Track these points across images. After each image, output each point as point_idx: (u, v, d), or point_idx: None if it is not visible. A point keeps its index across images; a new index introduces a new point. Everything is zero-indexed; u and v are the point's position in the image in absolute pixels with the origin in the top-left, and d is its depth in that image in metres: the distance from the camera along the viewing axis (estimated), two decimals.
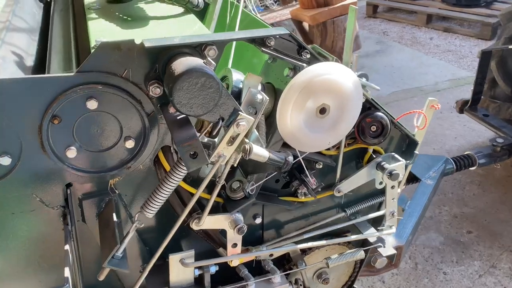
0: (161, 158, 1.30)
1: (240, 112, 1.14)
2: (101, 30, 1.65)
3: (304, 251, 1.76)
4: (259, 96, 1.24)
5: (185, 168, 1.16)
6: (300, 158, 1.41)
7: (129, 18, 1.81)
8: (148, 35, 1.39)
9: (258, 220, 1.66)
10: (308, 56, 1.34)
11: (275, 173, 1.42)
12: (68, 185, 1.30)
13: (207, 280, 1.47)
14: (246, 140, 1.20)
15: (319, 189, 1.57)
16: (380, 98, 5.68)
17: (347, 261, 1.70)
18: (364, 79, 1.52)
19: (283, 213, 1.70)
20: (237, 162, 1.29)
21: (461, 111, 3.80)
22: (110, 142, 1.25)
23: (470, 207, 3.80)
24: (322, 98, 1.31)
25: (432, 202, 3.79)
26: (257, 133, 1.26)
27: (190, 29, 1.76)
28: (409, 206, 2.62)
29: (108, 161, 1.27)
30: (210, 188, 1.37)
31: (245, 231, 1.43)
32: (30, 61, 1.64)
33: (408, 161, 1.72)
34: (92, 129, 1.21)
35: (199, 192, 1.28)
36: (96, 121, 1.21)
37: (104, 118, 1.21)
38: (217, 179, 1.32)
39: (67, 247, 1.22)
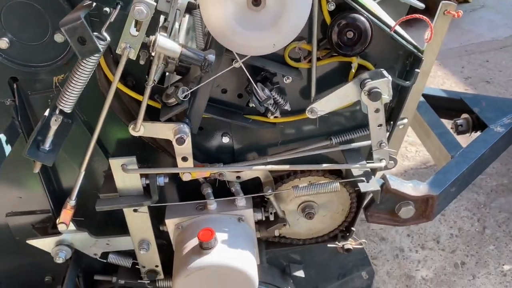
0: None
1: None
2: None
3: (281, 179, 1.60)
4: None
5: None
6: (240, 62, 1.23)
7: None
8: None
9: (226, 139, 1.54)
10: None
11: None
12: (15, 80, 1.34)
13: (152, 189, 1.42)
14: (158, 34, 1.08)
15: (282, 102, 1.37)
16: (496, 42, 4.81)
17: (318, 192, 1.48)
18: None
19: (254, 134, 1.54)
20: (161, 60, 1.19)
21: None
22: (40, 35, 1.23)
23: None
24: None
25: None
26: (176, 28, 1.12)
27: None
28: (461, 154, 2.20)
29: (42, 55, 1.27)
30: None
31: (184, 143, 1.33)
32: None
33: (408, 82, 1.40)
34: (20, 20, 1.21)
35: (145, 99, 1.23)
36: (22, 12, 1.20)
37: (30, 8, 1.20)
38: (147, 82, 1.23)
39: (2, 137, 1.27)
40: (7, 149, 1.30)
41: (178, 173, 1.49)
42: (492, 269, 2.59)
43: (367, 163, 1.49)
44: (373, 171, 1.52)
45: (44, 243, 1.57)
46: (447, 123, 2.60)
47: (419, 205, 2.02)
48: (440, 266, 2.65)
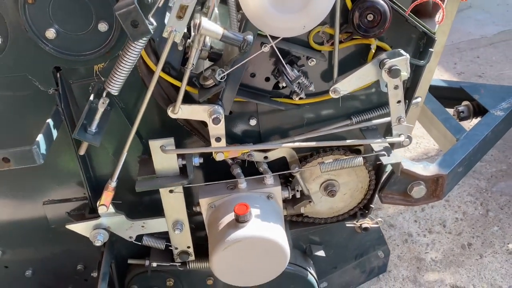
0: None
1: None
2: None
3: (304, 159, 1.70)
4: None
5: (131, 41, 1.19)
6: (273, 44, 1.34)
7: None
8: None
9: (253, 122, 1.64)
10: None
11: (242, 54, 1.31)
12: (58, 70, 1.43)
13: (189, 169, 1.52)
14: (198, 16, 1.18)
15: (306, 83, 1.48)
16: (485, 39, 5.00)
17: (342, 167, 1.59)
18: None
19: (280, 116, 1.64)
20: (200, 44, 1.29)
21: None
22: (85, 25, 1.33)
23: None
24: None
25: None
26: (217, 12, 1.22)
27: None
28: (465, 136, 2.32)
29: (86, 44, 1.36)
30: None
31: (221, 122, 1.42)
32: None
33: (422, 61, 1.52)
34: (66, 11, 1.30)
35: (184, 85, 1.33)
36: (69, 3, 1.29)
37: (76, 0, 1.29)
38: (186, 66, 1.33)
39: (50, 122, 1.35)
40: (54, 133, 1.38)
41: (209, 156, 1.58)
42: (498, 248, 2.70)
43: (387, 138, 1.59)
44: (392, 146, 1.63)
45: (83, 227, 1.65)
46: (449, 111, 2.73)
47: (430, 185, 2.13)
48: (448, 248, 2.76)
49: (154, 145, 1.48)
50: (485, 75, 4.42)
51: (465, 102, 2.65)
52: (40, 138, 1.27)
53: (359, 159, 1.58)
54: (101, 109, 1.34)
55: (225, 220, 1.53)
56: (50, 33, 1.31)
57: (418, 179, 2.07)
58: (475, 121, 2.64)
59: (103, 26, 1.32)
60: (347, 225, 2.06)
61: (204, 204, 1.64)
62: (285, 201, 1.73)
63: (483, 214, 2.93)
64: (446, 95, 2.78)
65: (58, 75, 1.43)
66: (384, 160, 1.55)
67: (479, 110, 2.59)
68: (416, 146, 3.62)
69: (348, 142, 1.60)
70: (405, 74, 1.44)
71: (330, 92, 1.51)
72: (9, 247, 1.82)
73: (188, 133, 1.62)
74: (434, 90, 2.75)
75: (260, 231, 1.49)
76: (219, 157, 1.55)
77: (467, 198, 3.06)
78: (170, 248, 1.76)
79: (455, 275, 2.60)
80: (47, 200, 1.72)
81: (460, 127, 2.41)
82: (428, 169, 2.10)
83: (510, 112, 2.45)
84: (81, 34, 1.34)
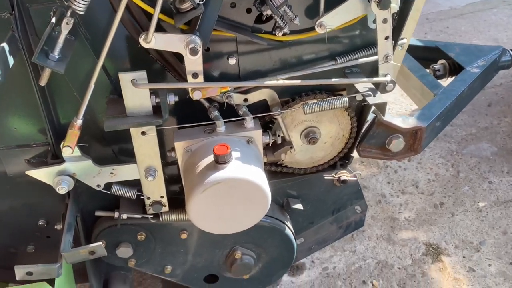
0: None
1: None
2: None
3: (285, 103, 1.61)
4: None
5: None
6: None
7: None
8: None
9: (232, 61, 1.52)
10: None
11: None
12: None
13: (163, 108, 1.39)
14: None
15: (290, 15, 1.38)
16: (454, 10, 5.05)
17: (327, 107, 1.51)
18: None
19: (261, 56, 1.54)
20: None
21: None
22: None
23: None
24: None
25: (492, 112, 3.38)
26: None
27: None
28: (442, 92, 2.30)
29: None
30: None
31: (198, 54, 1.31)
32: None
33: None
34: None
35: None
36: None
37: None
38: None
39: (5, 47, 1.19)
40: (10, 60, 1.22)
41: (184, 97, 1.47)
42: (469, 207, 2.74)
43: (373, 78, 1.53)
44: (377, 87, 1.57)
45: (45, 174, 1.50)
46: None
47: (408, 138, 2.10)
48: (421, 207, 2.78)
49: (125, 78, 1.34)
50: None
51: (441, 61, 2.63)
52: None
53: (345, 99, 1.51)
54: (64, 31, 1.19)
55: (203, 162, 1.43)
56: None
57: (397, 131, 2.03)
58: (450, 80, 2.63)
59: None
60: (325, 177, 2.00)
61: (179, 148, 1.52)
62: (265, 148, 1.65)
63: (454, 175, 2.97)
64: (421, 55, 2.75)
65: None
66: (370, 100, 1.48)
67: (454, 69, 2.57)
68: (392, 107, 3.60)
69: (334, 81, 1.52)
70: (395, 6, 1.37)
71: (315, 27, 1.42)
72: None
73: (162, 71, 1.49)
74: (410, 50, 2.71)
75: (241, 173, 1.39)
76: (196, 96, 1.43)
77: (438, 160, 3.09)
78: (142, 198, 1.65)
79: (428, 233, 2.62)
80: (3, 146, 1.55)
81: (437, 83, 2.39)
82: (407, 122, 2.06)
83: (485, 69, 2.45)
84: None
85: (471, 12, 5.01)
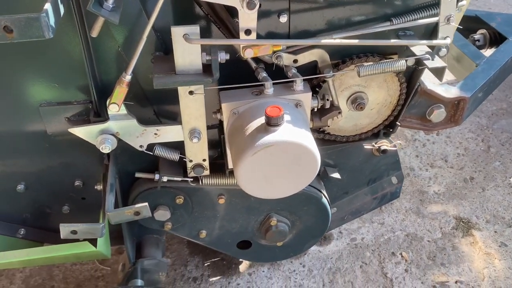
0: None
1: None
2: None
3: (335, 66, 1.55)
4: None
5: None
6: None
7: None
8: None
9: (283, 19, 1.45)
10: None
11: None
12: None
13: (214, 66, 1.33)
14: None
15: None
16: None
17: (383, 70, 1.45)
18: None
19: (314, 14, 1.46)
20: None
21: None
22: None
23: None
24: None
25: None
26: None
27: None
28: (485, 62, 2.22)
29: None
30: None
31: (257, 6, 1.24)
32: None
33: None
34: None
35: None
36: None
37: None
38: None
39: None
40: (61, 8, 1.16)
41: (234, 56, 1.40)
42: (500, 182, 2.70)
43: (432, 40, 1.45)
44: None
45: (88, 132, 1.46)
46: None
47: (450, 109, 2.04)
48: (450, 181, 2.73)
49: (177, 32, 1.27)
50: None
51: (481, 30, 2.53)
52: (48, 7, 1.05)
53: (403, 62, 1.44)
54: None
55: (253, 124, 1.38)
56: None
57: (440, 101, 1.97)
58: (489, 51, 2.54)
59: None
60: (365, 147, 1.96)
61: (226, 110, 1.47)
62: (312, 113, 1.59)
63: (484, 150, 2.91)
64: (460, 24, 2.65)
65: None
66: (429, 64, 1.41)
67: (495, 39, 2.48)
68: None
69: (393, 42, 1.45)
70: None
71: None
72: None
73: (207, 29, 1.42)
74: None
75: (294, 136, 1.34)
76: (247, 54, 1.37)
77: (468, 134, 3.03)
78: (181, 160, 1.61)
79: (458, 207, 2.59)
80: (44, 102, 1.50)
81: (479, 53, 2.31)
82: (450, 92, 1.99)
83: None
84: None
85: None
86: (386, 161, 2.07)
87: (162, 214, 1.74)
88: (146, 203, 1.43)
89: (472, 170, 2.79)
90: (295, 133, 1.36)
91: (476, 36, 2.51)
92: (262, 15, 1.45)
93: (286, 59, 1.48)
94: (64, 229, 1.38)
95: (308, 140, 1.38)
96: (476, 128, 3.06)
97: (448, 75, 3.19)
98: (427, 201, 2.64)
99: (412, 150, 2.95)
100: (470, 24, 2.64)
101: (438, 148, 2.95)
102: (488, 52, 2.49)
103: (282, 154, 1.35)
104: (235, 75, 1.52)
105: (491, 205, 2.57)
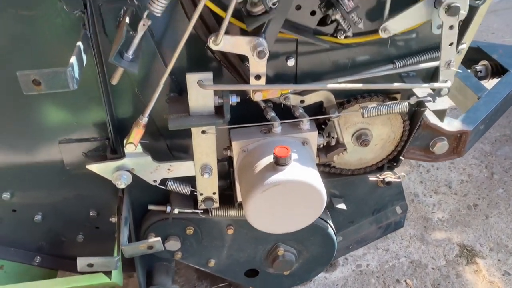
0: None
1: None
2: None
3: (341, 105, 1.62)
4: None
5: None
6: None
7: None
8: None
9: (291, 62, 1.53)
10: None
11: None
12: None
13: (226, 109, 1.41)
14: None
15: (356, 20, 1.37)
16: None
17: (386, 112, 1.51)
18: None
19: (320, 58, 1.54)
20: None
21: None
22: None
23: None
24: None
25: None
26: None
27: None
28: (487, 94, 2.28)
29: None
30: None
31: (266, 56, 1.32)
32: None
33: (478, 1, 1.43)
34: None
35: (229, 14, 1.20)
36: None
37: None
38: None
39: (81, 45, 1.21)
40: (84, 58, 1.24)
41: (244, 98, 1.48)
42: (503, 209, 2.74)
43: (433, 83, 1.52)
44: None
45: (104, 168, 1.53)
46: None
47: (452, 141, 2.10)
48: (454, 208, 2.78)
49: (191, 79, 1.36)
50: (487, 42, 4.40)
51: (483, 62, 2.60)
52: (73, 60, 1.13)
53: (405, 104, 1.51)
54: (140, 32, 1.21)
55: (262, 163, 1.45)
56: None
57: (442, 134, 2.03)
58: (491, 82, 2.60)
59: None
60: (370, 179, 2.01)
61: (236, 148, 1.54)
62: (318, 149, 1.66)
63: (488, 176, 2.96)
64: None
65: None
66: (430, 106, 1.48)
67: (497, 70, 2.55)
68: None
69: (396, 85, 1.52)
70: (464, 13, 1.35)
71: (380, 31, 1.41)
72: (19, 189, 1.69)
73: (218, 71, 1.50)
74: None
75: (301, 175, 1.41)
76: (257, 97, 1.44)
77: (472, 161, 3.08)
78: (194, 194, 1.67)
79: (461, 234, 2.63)
80: (63, 139, 1.58)
81: (481, 86, 2.37)
82: (452, 125, 2.05)
83: None
84: None
85: (504, 9, 4.92)
86: (391, 192, 2.12)
87: (173, 244, 1.80)
88: (159, 238, 1.49)
89: (476, 197, 2.83)
90: (302, 172, 1.42)
91: (478, 67, 2.58)
92: (270, 58, 1.52)
93: (294, 100, 1.55)
94: (81, 262, 1.45)
95: (314, 178, 1.45)
96: (479, 155, 3.11)
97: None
98: (431, 227, 2.68)
99: (416, 176, 3.00)
100: (472, 55, 2.71)
101: (442, 174, 3.00)
102: (490, 83, 2.55)
103: (289, 192, 1.42)
104: (245, 113, 1.59)
105: (495, 232, 2.61)
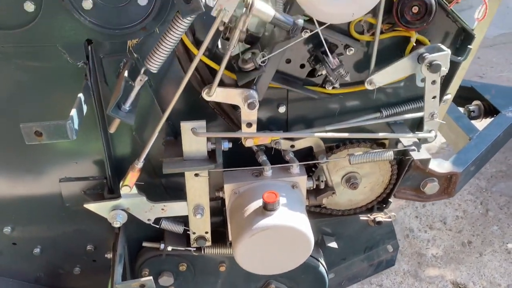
0: None
1: None
2: None
3: (330, 150, 1.68)
4: None
5: (181, 17, 1.14)
6: (319, 29, 1.31)
7: None
8: None
9: (282, 109, 1.60)
10: None
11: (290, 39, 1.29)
12: (89, 43, 1.36)
13: (218, 154, 1.48)
14: None
15: (343, 73, 1.45)
16: (485, 40, 5.04)
17: (372, 160, 1.57)
18: None
19: (310, 105, 1.62)
20: (245, 25, 1.24)
21: None
22: None
23: None
24: None
25: None
26: None
27: None
28: (478, 136, 2.34)
29: (124, 17, 1.30)
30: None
31: (256, 107, 1.39)
32: None
33: (460, 58, 1.51)
34: None
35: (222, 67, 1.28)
36: None
37: None
38: (228, 46, 1.29)
39: (81, 97, 1.30)
40: (85, 108, 1.32)
41: (236, 143, 1.55)
42: (497, 247, 2.76)
43: (418, 133, 1.58)
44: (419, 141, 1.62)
45: (101, 207, 1.60)
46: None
47: (443, 182, 2.14)
48: (448, 245, 2.80)
49: (185, 127, 1.43)
50: (486, 76, 4.47)
51: (476, 102, 2.66)
52: (73, 113, 1.21)
53: (390, 153, 1.57)
54: (137, 87, 1.29)
55: (251, 207, 1.51)
56: (87, 3, 1.24)
57: (433, 175, 2.08)
58: (484, 121, 2.66)
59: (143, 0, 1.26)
60: (360, 218, 2.06)
61: (228, 190, 1.60)
62: (307, 191, 1.71)
63: (483, 213, 2.99)
64: (456, 94, 2.79)
65: (90, 48, 1.37)
66: (415, 155, 1.54)
67: (489, 111, 2.61)
68: None
69: (382, 135, 1.59)
70: (445, 69, 1.43)
71: (365, 83, 1.49)
72: (19, 223, 1.76)
73: (212, 116, 1.58)
74: None
75: (288, 220, 1.46)
76: (248, 143, 1.52)
77: (467, 196, 3.11)
78: (187, 232, 1.73)
79: (455, 271, 2.65)
80: (64, 177, 1.66)
81: (472, 126, 2.43)
82: (443, 166, 2.11)
83: None
84: (120, 6, 1.27)
85: (503, 43, 5.02)
86: (382, 230, 2.16)
87: (166, 280, 1.85)
88: (151, 277, 1.54)
89: (470, 234, 2.85)
90: (289, 217, 1.48)
91: (471, 107, 2.65)
92: (262, 104, 1.60)
93: (284, 145, 1.62)
94: None
95: (301, 223, 1.50)
96: (475, 190, 3.14)
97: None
98: (425, 264, 2.70)
99: (412, 211, 3.04)
100: (466, 94, 2.78)
101: (437, 210, 3.03)
102: (482, 123, 2.61)
103: (277, 236, 1.47)
104: (237, 156, 1.66)
105: (488, 271, 2.63)
